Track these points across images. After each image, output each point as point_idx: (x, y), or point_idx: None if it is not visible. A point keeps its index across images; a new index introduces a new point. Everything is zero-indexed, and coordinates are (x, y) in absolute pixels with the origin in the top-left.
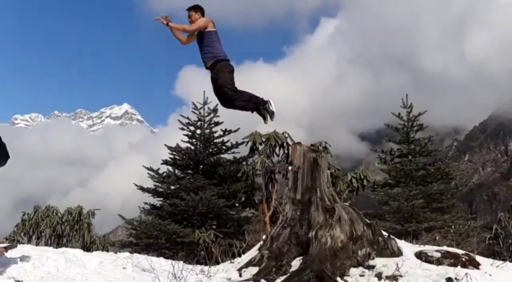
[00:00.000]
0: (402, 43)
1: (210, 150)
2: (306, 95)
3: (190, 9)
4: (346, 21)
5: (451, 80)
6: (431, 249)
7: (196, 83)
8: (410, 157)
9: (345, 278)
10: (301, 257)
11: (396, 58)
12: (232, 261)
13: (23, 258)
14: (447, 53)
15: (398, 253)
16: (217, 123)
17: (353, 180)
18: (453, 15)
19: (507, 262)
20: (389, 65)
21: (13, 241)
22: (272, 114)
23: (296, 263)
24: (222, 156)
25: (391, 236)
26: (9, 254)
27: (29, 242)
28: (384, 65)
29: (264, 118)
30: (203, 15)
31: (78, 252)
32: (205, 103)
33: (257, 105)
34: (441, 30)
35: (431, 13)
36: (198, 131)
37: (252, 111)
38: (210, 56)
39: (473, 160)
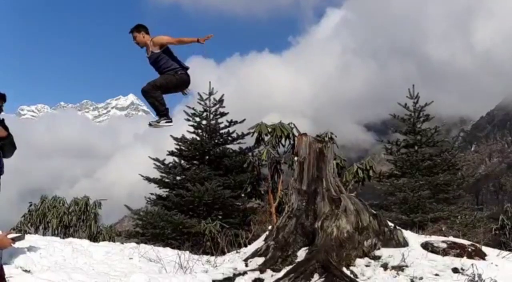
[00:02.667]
0: (408, 33)
1: (216, 141)
2: (312, 85)
3: (132, 30)
4: (352, 11)
5: (458, 70)
6: (437, 240)
7: (201, 74)
8: (416, 148)
9: (351, 268)
10: (307, 248)
11: (402, 48)
12: (238, 251)
13: (31, 248)
14: (453, 42)
15: (404, 244)
16: (222, 114)
17: (359, 171)
18: (460, 3)
19: None
20: (395, 55)
21: (20, 232)
22: (162, 123)
23: (302, 253)
24: (228, 146)
25: (397, 227)
26: (17, 244)
27: (36, 232)
28: (390, 55)
29: (157, 124)
30: (147, 32)
31: (85, 242)
32: (210, 94)
33: (163, 110)
34: (447, 19)
35: (437, 2)
36: (204, 122)
37: (157, 113)
38: (173, 71)
39: (479, 150)
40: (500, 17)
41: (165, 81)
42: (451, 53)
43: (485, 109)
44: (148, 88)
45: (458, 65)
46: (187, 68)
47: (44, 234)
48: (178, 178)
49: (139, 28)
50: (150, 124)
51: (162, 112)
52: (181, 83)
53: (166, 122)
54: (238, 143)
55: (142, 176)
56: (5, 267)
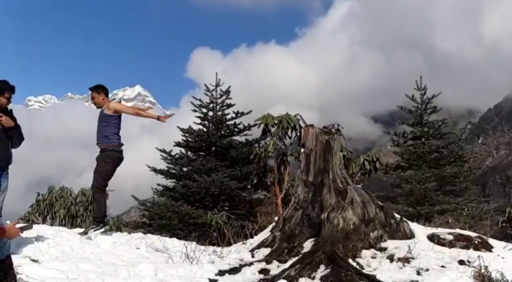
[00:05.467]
0: (416, 24)
1: (223, 132)
2: (319, 77)
3: (92, 90)
4: (360, 2)
5: (466, 62)
6: (444, 232)
7: (208, 65)
8: (423, 140)
9: (357, 259)
10: (313, 239)
11: (409, 40)
12: (244, 242)
13: (38, 238)
14: (461, 34)
15: (410, 236)
16: (229, 106)
17: (366, 163)
18: None
19: None
20: (403, 46)
21: (28, 221)
22: (89, 233)
23: (308, 245)
24: (234, 138)
25: (404, 219)
26: (25, 234)
27: (43, 222)
28: (398, 47)
29: (86, 231)
30: (106, 95)
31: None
32: (217, 85)
33: (97, 217)
34: (456, 10)
35: None
36: (211, 113)
37: (94, 215)
38: (105, 141)
39: (487, 142)
40: (508, 8)
41: (104, 175)
42: (459, 44)
43: (493, 102)
44: (96, 192)
45: (466, 57)
46: (120, 145)
47: (51, 224)
48: (184, 169)
49: (99, 89)
50: (81, 235)
51: (97, 219)
52: (116, 163)
53: (94, 230)
54: (245, 134)
55: (149, 167)
56: (13, 257)
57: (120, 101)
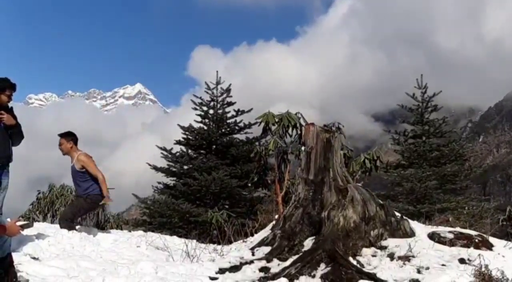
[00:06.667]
0: (417, 21)
1: (223, 130)
2: (319, 75)
3: (61, 136)
4: (361, 0)
5: (467, 60)
6: (444, 230)
7: (208, 63)
8: (424, 138)
9: (357, 258)
10: (314, 237)
11: (411, 38)
12: (245, 240)
13: (39, 236)
14: (463, 32)
15: (410, 234)
16: (230, 104)
17: (366, 161)
18: None
19: None
20: (404, 44)
21: (28, 219)
22: None
23: (308, 243)
24: (235, 136)
25: (404, 217)
26: (25, 231)
27: (44, 220)
28: (399, 45)
29: None
30: (75, 143)
31: (93, 230)
32: (218, 83)
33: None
34: (457, 8)
35: None
36: (211, 111)
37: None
38: (85, 192)
39: (487, 141)
40: (510, 7)
41: (77, 209)
42: (460, 43)
43: (494, 100)
44: (61, 224)
45: (467, 55)
46: (100, 194)
47: (52, 222)
48: (185, 167)
49: (68, 137)
50: None
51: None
52: (93, 206)
53: None
54: (245, 133)
55: (150, 165)
56: (14, 254)
57: (86, 154)
